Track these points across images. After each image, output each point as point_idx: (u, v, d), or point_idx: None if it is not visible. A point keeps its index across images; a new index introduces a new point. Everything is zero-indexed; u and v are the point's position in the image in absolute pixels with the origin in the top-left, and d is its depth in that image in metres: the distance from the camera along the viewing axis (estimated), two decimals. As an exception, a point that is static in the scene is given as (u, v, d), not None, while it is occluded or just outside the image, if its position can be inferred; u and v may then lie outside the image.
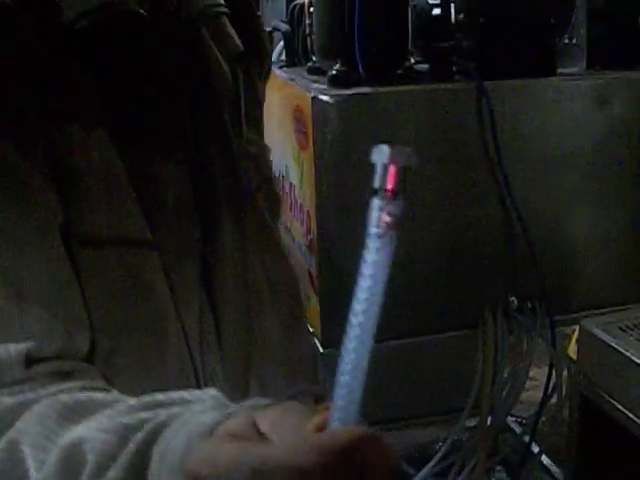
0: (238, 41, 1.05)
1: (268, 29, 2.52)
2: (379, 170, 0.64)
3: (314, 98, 1.80)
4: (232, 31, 1.04)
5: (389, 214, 0.64)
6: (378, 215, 0.65)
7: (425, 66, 2.02)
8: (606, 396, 1.73)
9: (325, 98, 1.81)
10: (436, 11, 1.98)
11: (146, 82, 0.92)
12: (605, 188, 2.10)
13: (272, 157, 2.32)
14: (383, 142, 1.81)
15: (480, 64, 1.93)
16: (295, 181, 2.05)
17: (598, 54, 2.10)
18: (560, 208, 2.09)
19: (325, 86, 1.89)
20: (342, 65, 1.88)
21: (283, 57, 2.45)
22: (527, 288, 2.10)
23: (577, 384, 1.82)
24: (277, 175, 2.28)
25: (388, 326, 1.85)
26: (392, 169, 0.62)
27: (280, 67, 2.33)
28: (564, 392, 2.06)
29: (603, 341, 1.72)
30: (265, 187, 1.13)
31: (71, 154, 0.82)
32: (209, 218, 0.96)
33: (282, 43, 2.45)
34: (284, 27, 2.29)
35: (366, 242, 0.65)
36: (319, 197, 1.86)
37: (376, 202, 0.64)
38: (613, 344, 1.70)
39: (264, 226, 1.09)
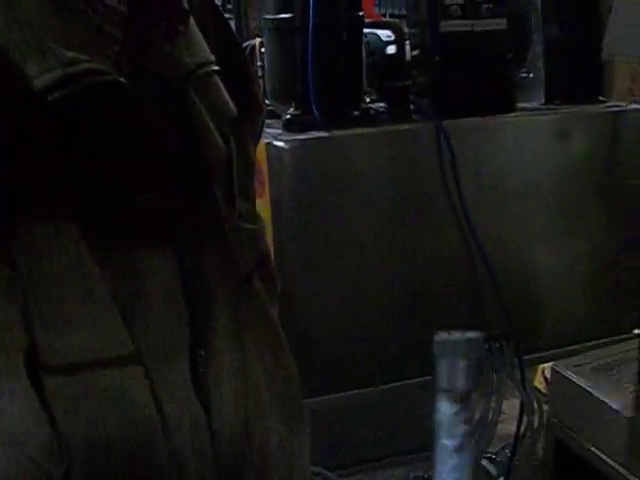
0: (232, 104, 0.88)
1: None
2: (445, 368, 0.49)
3: (268, 144, 1.75)
4: (224, 92, 0.88)
5: (466, 421, 0.48)
6: (452, 423, 0.48)
7: (382, 105, 1.98)
8: (580, 439, 1.68)
9: (280, 144, 1.75)
10: (391, 49, 1.94)
11: (124, 160, 0.78)
12: (568, 222, 2.07)
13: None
14: (341, 187, 1.75)
15: (438, 102, 1.89)
16: (252, 228, 1.99)
17: (557, 88, 2.07)
18: (524, 244, 2.04)
19: (280, 131, 1.84)
20: (296, 109, 1.83)
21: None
22: (494, 328, 2.05)
23: (550, 427, 1.77)
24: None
25: (346, 377, 1.80)
26: (463, 366, 0.49)
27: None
28: (536, 425, 2.01)
29: (576, 384, 1.67)
30: (261, 267, 0.97)
31: (35, 259, 0.70)
32: (200, 310, 0.83)
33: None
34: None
35: (438, 453, 0.48)
36: (278, 246, 1.80)
37: (447, 408, 0.48)
38: (586, 387, 1.66)
39: (262, 313, 0.95)
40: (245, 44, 2.25)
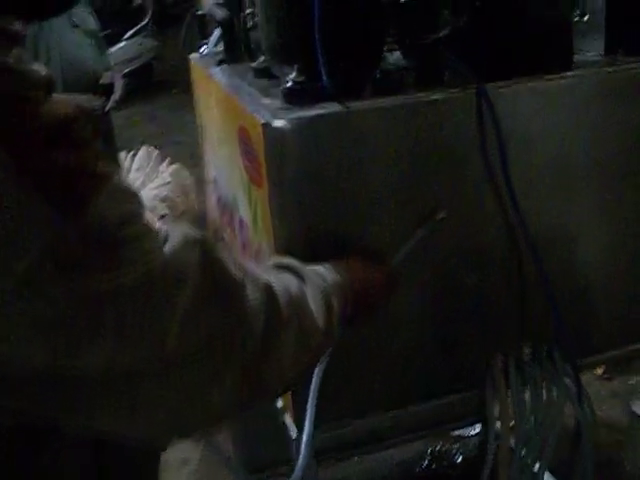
0: None
1: (201, 13, 2.05)
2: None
3: (266, 125, 1.34)
4: None
5: None
6: None
7: (401, 58, 1.57)
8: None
9: (281, 124, 1.35)
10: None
11: None
12: (630, 203, 1.68)
13: (219, 177, 1.89)
14: (359, 174, 1.33)
15: (476, 60, 1.48)
16: (247, 219, 1.60)
17: (619, 35, 1.66)
18: (576, 230, 1.66)
19: (279, 102, 1.44)
20: (300, 73, 1.42)
21: (220, 47, 1.97)
22: (539, 331, 1.69)
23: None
24: (223, 200, 1.83)
25: (376, 396, 1.42)
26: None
27: (218, 63, 1.85)
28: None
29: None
30: None
31: None
32: None
33: (218, 32, 1.96)
34: (221, 13, 1.80)
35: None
36: (280, 251, 1.42)
37: None
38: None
39: None
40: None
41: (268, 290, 1.03)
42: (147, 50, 7.59)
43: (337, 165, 1.40)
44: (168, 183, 5.03)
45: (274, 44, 1.50)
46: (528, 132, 1.53)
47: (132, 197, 0.84)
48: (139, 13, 7.72)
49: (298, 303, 1.10)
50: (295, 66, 1.43)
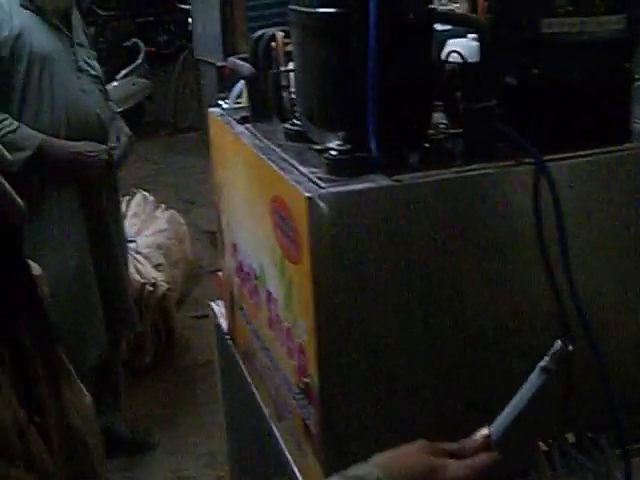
0: None
1: (220, 64, 1.94)
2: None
3: (311, 200, 1.23)
4: None
5: None
6: None
7: (448, 124, 1.46)
8: None
9: (327, 198, 1.23)
10: (472, 54, 1.43)
11: None
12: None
13: (241, 244, 1.78)
14: (408, 251, 1.19)
15: (534, 132, 1.37)
16: (277, 295, 1.48)
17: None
18: (629, 309, 1.55)
19: (320, 172, 1.32)
20: (345, 141, 1.31)
21: (242, 101, 1.85)
22: (581, 418, 1.57)
23: None
24: (246, 269, 1.71)
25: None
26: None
27: (242, 120, 1.73)
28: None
29: None
30: None
31: None
32: None
33: (240, 86, 1.85)
34: (247, 69, 1.69)
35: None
36: (322, 335, 1.30)
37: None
38: None
39: None
40: (258, 33, 1.72)
41: None
42: (140, 90, 7.49)
43: (385, 242, 1.28)
44: (164, 230, 4.88)
45: (315, 108, 1.39)
46: (585, 207, 1.42)
47: None
48: (131, 52, 7.64)
49: None
50: (340, 134, 1.32)
